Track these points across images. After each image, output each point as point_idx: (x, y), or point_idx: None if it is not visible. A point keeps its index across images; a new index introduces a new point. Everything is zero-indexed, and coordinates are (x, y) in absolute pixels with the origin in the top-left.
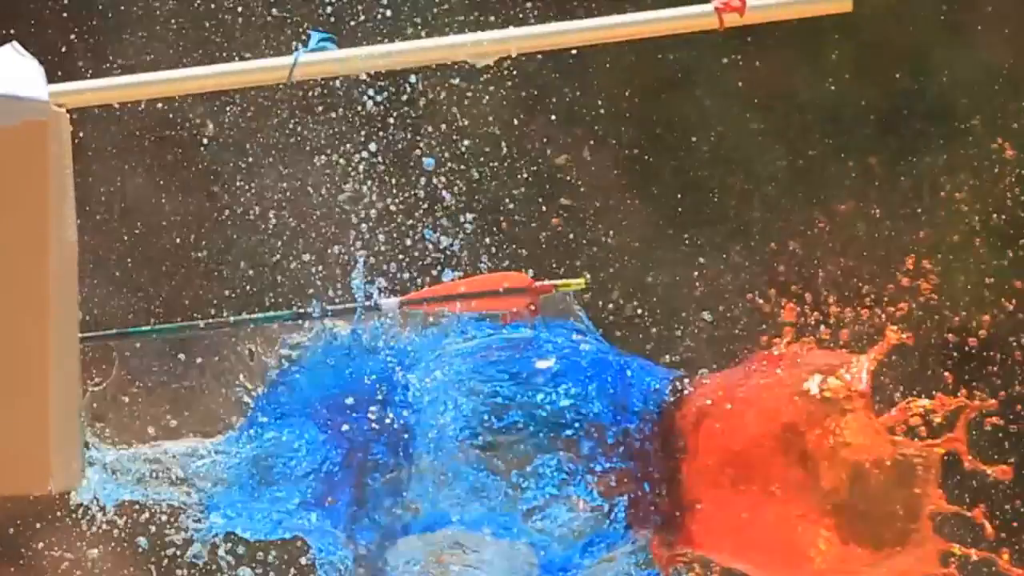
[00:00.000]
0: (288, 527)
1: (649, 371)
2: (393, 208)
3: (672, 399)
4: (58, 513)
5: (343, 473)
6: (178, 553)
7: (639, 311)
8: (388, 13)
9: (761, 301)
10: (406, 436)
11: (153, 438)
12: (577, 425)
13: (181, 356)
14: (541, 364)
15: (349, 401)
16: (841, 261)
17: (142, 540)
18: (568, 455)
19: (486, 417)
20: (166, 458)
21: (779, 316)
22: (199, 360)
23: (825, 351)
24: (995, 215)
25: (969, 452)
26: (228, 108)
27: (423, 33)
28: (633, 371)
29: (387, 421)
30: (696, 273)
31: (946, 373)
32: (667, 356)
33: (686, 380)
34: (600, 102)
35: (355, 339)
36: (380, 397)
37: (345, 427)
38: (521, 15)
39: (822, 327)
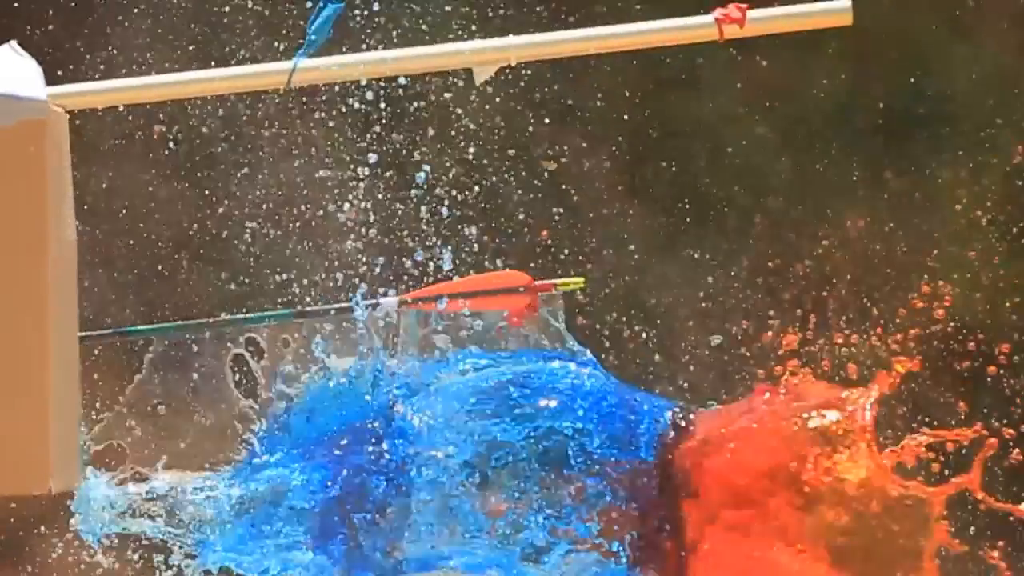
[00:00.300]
0: (285, 564)
1: (651, 404)
2: (392, 208)
3: (673, 435)
4: (61, 513)
5: (340, 511)
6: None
7: (638, 329)
8: (386, 21)
9: (765, 323)
10: (404, 473)
11: (152, 473)
12: (578, 462)
13: (182, 390)
14: (541, 401)
15: (347, 438)
16: (848, 280)
17: (143, 540)
18: (569, 493)
19: (485, 454)
20: (164, 494)
21: (781, 342)
22: (198, 394)
23: (827, 385)
24: (1012, 224)
25: (985, 489)
26: (230, 109)
27: (425, 39)
28: (635, 405)
29: (385, 459)
30: (701, 293)
31: (960, 402)
32: (667, 375)
33: (687, 413)
34: (600, 102)
35: (355, 375)
36: (378, 434)
37: (343, 465)
38: (520, 22)
39: (825, 356)
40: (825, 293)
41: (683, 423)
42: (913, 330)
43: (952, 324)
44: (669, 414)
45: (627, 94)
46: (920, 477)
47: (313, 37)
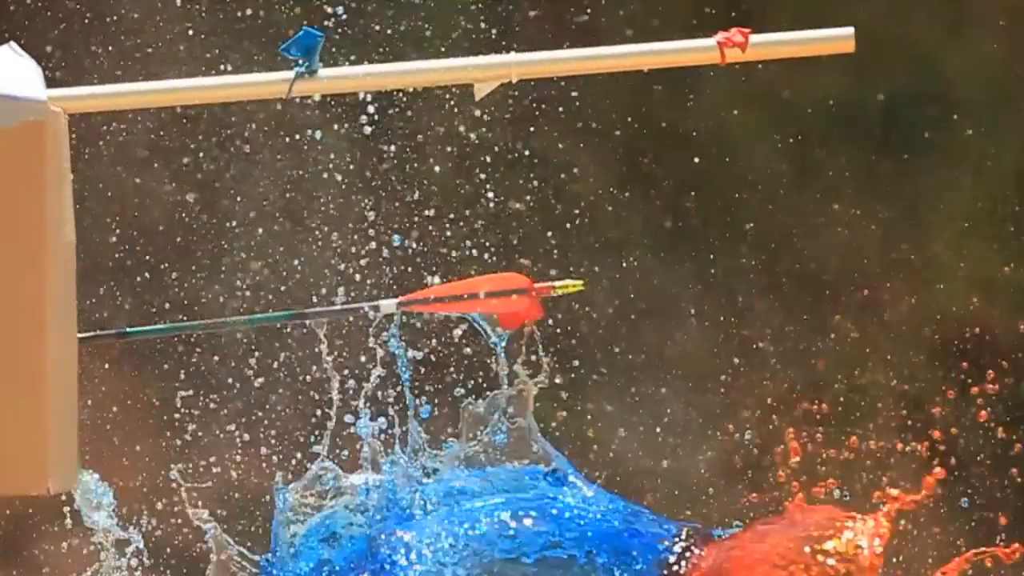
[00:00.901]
0: None
1: (652, 529)
2: (392, 211)
3: (677, 567)
4: (63, 515)
5: None
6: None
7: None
8: (389, 31)
9: (774, 436)
10: None
11: None
12: None
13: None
14: (541, 528)
15: (352, 567)
16: (864, 360)
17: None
18: None
19: None
20: None
21: (789, 454)
22: (209, 524)
23: (834, 509)
24: None
25: None
26: (231, 110)
27: (428, 53)
28: (636, 530)
29: None
30: (710, 409)
31: (1002, 516)
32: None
33: (691, 541)
34: (599, 103)
35: (358, 505)
36: (380, 564)
37: None
38: (521, 35)
39: (837, 467)
40: (837, 384)
41: (687, 553)
42: (944, 430)
43: (996, 425)
44: (672, 541)
45: (630, 100)
46: None
47: (301, 62)
